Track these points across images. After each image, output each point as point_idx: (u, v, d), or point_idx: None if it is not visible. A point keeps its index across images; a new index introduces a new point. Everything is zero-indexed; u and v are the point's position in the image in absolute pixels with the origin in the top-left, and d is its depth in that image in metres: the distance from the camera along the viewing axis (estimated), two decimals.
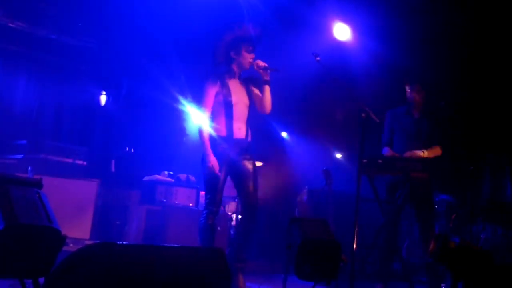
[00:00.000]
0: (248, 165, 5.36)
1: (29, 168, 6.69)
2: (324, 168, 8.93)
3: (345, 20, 7.43)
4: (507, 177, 9.24)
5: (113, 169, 8.60)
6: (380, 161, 5.81)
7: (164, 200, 7.76)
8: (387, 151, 6.39)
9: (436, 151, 6.15)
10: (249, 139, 5.42)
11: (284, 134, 11.88)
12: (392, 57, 8.32)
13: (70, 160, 7.86)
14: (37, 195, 3.68)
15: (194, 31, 8.33)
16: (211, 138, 5.28)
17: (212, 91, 5.32)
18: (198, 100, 5.43)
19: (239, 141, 5.32)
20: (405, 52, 8.26)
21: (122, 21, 8.66)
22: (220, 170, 5.20)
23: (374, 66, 8.59)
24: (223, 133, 5.30)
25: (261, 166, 9.13)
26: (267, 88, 5.40)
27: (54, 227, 3.58)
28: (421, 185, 6.01)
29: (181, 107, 8.55)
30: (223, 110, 5.32)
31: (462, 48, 8.14)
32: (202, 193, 7.63)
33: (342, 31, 7.40)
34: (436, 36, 8.13)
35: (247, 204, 5.34)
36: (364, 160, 5.48)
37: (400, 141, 6.30)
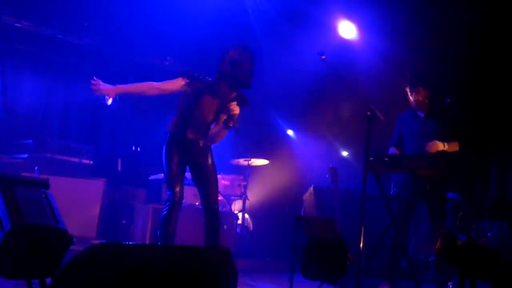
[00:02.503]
0: None
1: (36, 168, 6.70)
2: (330, 166, 8.91)
3: (351, 18, 7.42)
4: None
5: (119, 168, 8.60)
6: (386, 159, 5.81)
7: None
8: (392, 151, 6.44)
9: (454, 146, 6.20)
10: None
11: (290, 132, 11.86)
12: (398, 55, 8.30)
13: (76, 159, 7.86)
14: (44, 195, 3.69)
15: (201, 29, 8.34)
16: None
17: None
18: None
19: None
20: (411, 50, 8.24)
21: (128, 20, 8.67)
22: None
23: (379, 64, 8.57)
24: None
25: (267, 164, 9.14)
26: (224, 132, 5.44)
27: (60, 228, 3.59)
28: (432, 183, 6.04)
29: None
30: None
31: (467, 44, 8.12)
32: None
33: (347, 29, 7.39)
34: (441, 33, 8.11)
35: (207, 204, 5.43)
36: (371, 158, 5.49)
37: (409, 142, 6.37)
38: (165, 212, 5.18)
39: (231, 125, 5.33)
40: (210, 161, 5.45)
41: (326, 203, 8.71)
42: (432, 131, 6.25)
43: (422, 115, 6.38)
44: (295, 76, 9.19)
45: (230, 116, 5.30)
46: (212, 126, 5.52)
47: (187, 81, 5.33)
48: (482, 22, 7.69)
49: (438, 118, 6.29)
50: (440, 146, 6.08)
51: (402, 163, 5.87)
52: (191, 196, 7.85)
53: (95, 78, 5.12)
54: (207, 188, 5.39)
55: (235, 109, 5.28)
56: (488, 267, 4.09)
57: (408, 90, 6.36)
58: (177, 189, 5.22)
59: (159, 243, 5.17)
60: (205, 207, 5.37)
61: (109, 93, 5.15)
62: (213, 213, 5.34)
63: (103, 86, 5.12)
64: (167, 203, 5.20)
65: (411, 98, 6.35)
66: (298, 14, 8.26)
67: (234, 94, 5.40)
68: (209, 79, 5.41)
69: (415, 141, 6.34)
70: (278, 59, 9.10)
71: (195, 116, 5.36)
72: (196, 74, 5.40)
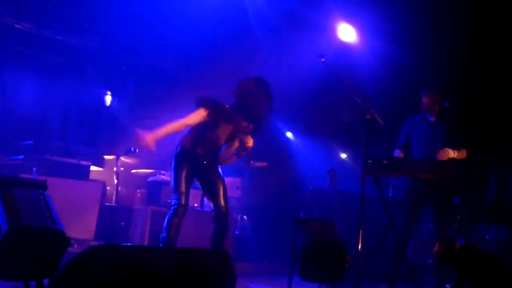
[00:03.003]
0: None
1: (34, 169, 6.69)
2: (329, 168, 8.91)
3: (350, 21, 7.41)
4: None
5: (118, 170, 8.57)
6: (385, 161, 5.80)
7: (169, 201, 7.72)
8: (397, 154, 6.42)
9: (463, 153, 6.18)
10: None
11: (289, 134, 11.87)
12: (397, 58, 8.29)
13: (75, 161, 7.83)
14: (42, 196, 3.68)
15: (200, 32, 8.33)
16: None
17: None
18: None
19: None
20: (410, 53, 8.24)
21: (127, 21, 8.65)
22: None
23: (379, 67, 8.57)
24: None
25: (266, 166, 9.14)
26: (234, 159, 5.60)
27: (58, 229, 3.58)
28: (434, 188, 6.03)
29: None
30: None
31: (466, 45, 8.11)
32: None
33: (347, 32, 7.39)
34: (441, 35, 8.10)
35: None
36: (369, 161, 5.48)
37: (418, 146, 6.35)
38: (169, 215, 5.23)
39: (242, 154, 5.46)
40: (217, 173, 5.52)
41: (325, 205, 8.71)
42: (441, 136, 6.23)
43: (432, 119, 6.36)
44: (295, 78, 9.18)
45: (244, 148, 5.39)
46: (222, 149, 5.61)
47: (208, 111, 5.38)
48: (481, 24, 7.68)
49: (449, 123, 6.27)
50: (451, 153, 6.06)
51: (403, 166, 5.87)
52: (191, 198, 7.84)
53: (138, 130, 5.18)
54: (217, 199, 5.43)
55: (249, 142, 5.38)
56: (486, 271, 4.09)
57: (421, 93, 6.37)
58: (183, 194, 5.29)
59: (161, 245, 5.20)
60: (216, 216, 5.40)
61: (151, 142, 5.17)
62: (223, 222, 5.38)
63: (147, 138, 5.14)
64: (172, 207, 5.26)
65: (422, 100, 6.35)
66: (297, 17, 8.25)
67: (250, 126, 5.45)
68: (228, 106, 5.46)
69: (422, 145, 6.31)
70: (278, 61, 9.10)
71: (208, 138, 5.44)
72: (215, 102, 5.43)
